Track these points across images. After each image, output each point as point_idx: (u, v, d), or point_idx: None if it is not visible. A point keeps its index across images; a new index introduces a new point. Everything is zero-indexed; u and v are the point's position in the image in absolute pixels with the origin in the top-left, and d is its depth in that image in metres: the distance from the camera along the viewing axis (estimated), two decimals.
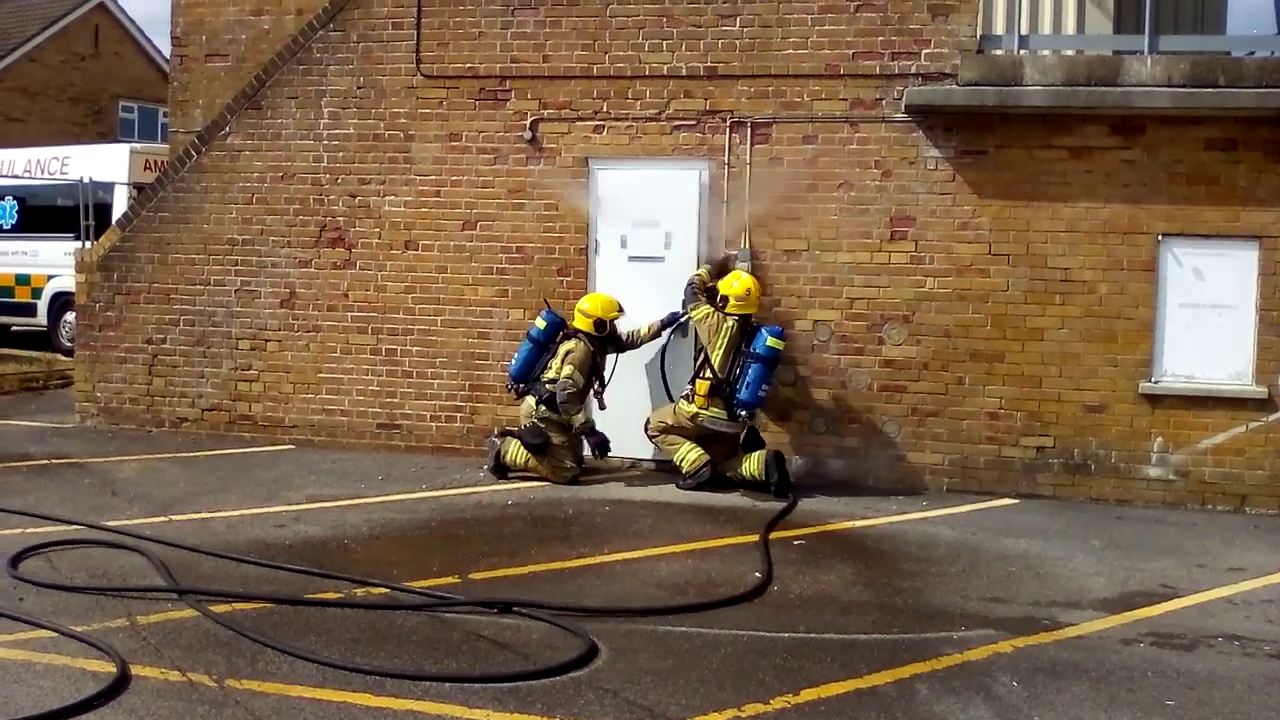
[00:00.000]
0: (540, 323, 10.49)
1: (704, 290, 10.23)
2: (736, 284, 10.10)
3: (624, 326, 10.53)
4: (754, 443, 10.16)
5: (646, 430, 10.33)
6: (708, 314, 10.08)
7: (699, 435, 10.05)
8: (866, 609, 6.86)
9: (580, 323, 10.34)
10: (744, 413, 9.92)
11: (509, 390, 10.73)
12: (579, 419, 10.18)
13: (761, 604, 6.92)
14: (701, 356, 10.14)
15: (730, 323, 10.00)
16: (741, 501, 9.60)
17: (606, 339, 10.42)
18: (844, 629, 6.47)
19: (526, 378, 10.43)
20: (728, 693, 5.45)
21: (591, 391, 10.39)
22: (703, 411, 9.95)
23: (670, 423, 10.16)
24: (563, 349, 10.28)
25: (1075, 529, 9.07)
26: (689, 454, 10.01)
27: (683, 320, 10.46)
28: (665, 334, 10.61)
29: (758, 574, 7.43)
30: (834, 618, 6.67)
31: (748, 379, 9.82)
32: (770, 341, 9.86)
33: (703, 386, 9.96)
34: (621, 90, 11.00)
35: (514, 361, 10.56)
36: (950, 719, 5.23)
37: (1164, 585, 7.54)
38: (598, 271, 11.01)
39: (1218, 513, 9.87)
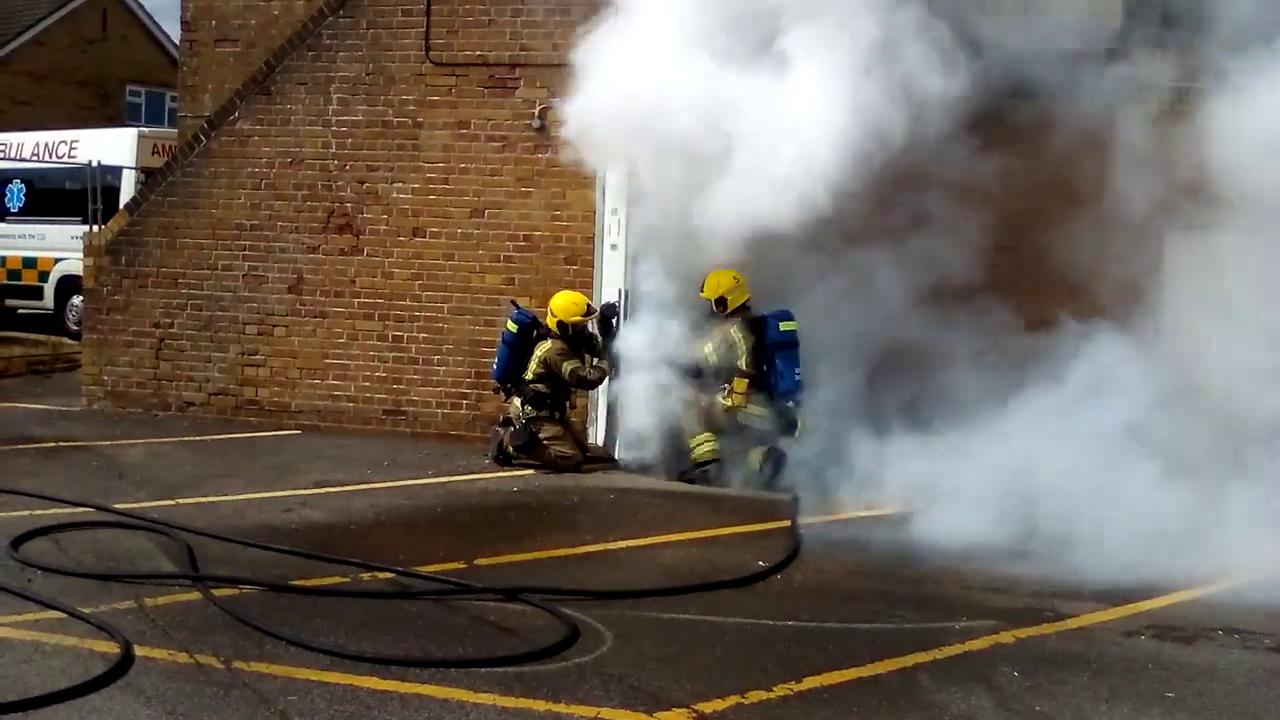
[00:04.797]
0: (511, 325, 10.32)
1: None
2: None
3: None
4: None
5: None
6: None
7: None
8: (868, 598, 6.89)
9: (550, 321, 10.27)
10: None
11: (496, 392, 10.73)
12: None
13: (765, 592, 6.97)
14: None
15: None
16: (745, 492, 9.60)
17: (574, 339, 10.25)
18: (846, 618, 6.50)
19: (509, 379, 10.38)
20: (731, 679, 5.48)
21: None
22: None
23: None
24: (538, 351, 10.16)
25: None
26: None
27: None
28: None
29: (761, 562, 7.47)
30: (836, 606, 6.69)
31: None
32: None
33: None
34: None
35: (495, 364, 10.51)
36: (952, 708, 5.27)
37: (1165, 577, 7.54)
38: (605, 260, 10.98)
39: None
